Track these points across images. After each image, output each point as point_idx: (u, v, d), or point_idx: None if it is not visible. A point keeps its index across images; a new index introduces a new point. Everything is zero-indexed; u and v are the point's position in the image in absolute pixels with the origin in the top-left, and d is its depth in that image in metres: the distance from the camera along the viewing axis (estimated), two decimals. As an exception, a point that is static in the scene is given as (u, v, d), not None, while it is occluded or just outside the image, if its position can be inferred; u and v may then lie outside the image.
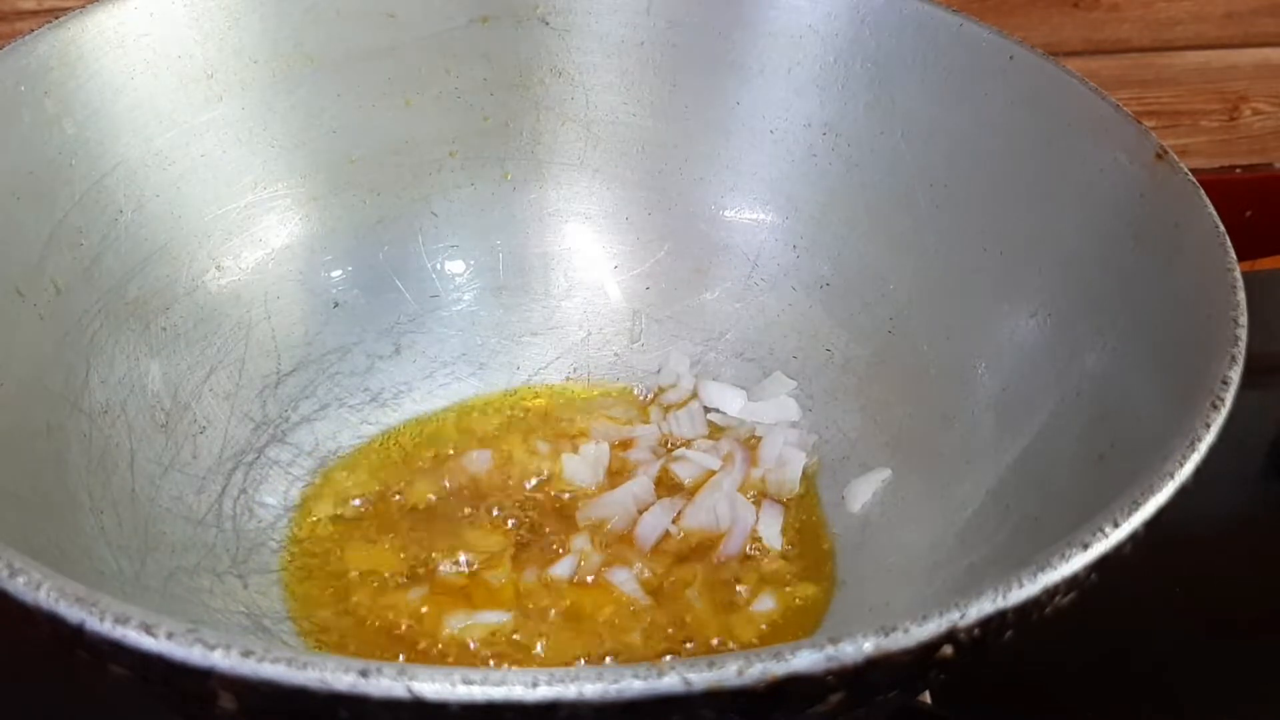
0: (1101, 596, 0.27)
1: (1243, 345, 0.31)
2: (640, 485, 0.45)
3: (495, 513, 0.44)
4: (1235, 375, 0.30)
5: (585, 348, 0.51)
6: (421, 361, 0.49)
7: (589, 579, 0.42)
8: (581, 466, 0.46)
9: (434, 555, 0.42)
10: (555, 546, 0.43)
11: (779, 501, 0.45)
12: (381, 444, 0.47)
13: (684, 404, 0.49)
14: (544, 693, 0.21)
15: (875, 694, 0.25)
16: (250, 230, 0.46)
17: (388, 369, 0.49)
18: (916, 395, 0.45)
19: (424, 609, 0.41)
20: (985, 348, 0.42)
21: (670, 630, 0.41)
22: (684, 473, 0.46)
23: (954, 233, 0.44)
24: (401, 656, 0.39)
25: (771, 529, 0.44)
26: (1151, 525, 0.26)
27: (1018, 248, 0.42)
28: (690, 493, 0.45)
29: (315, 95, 0.47)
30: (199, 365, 0.44)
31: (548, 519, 0.44)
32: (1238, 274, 0.33)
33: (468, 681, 0.21)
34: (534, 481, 0.46)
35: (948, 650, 0.23)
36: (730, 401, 0.48)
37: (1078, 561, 0.25)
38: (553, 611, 0.41)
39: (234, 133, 0.45)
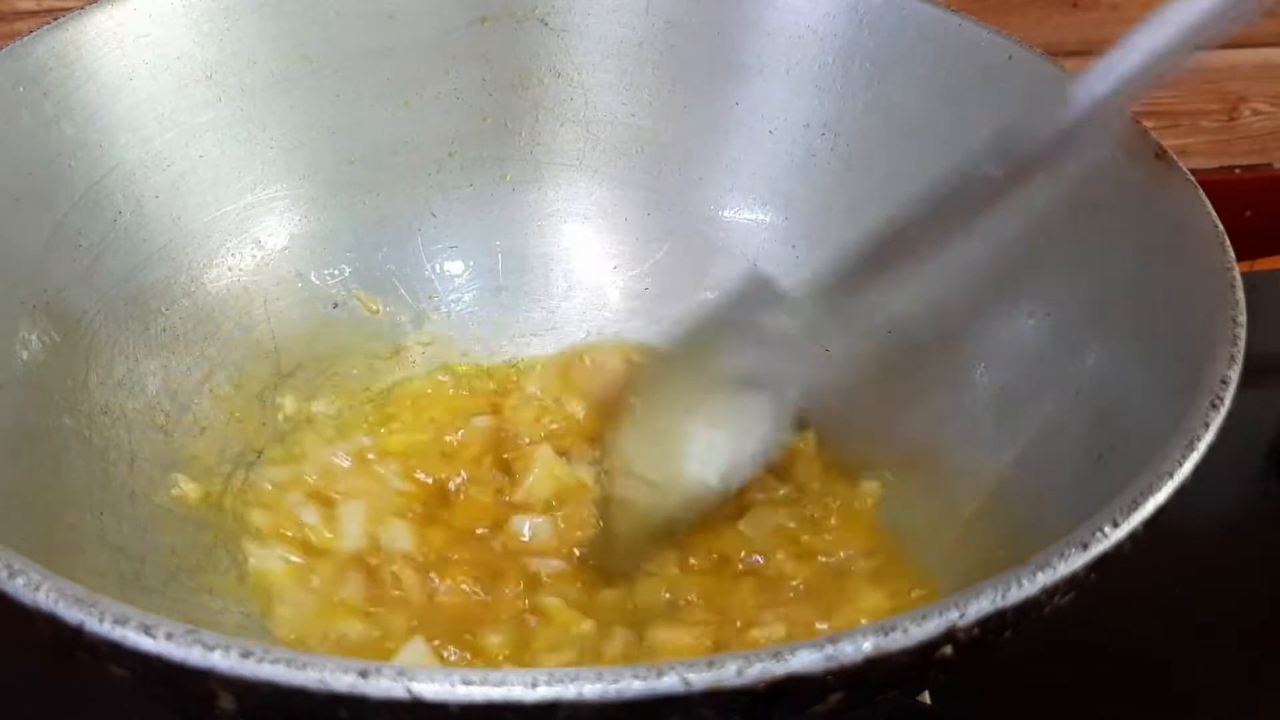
0: (1101, 596, 0.27)
1: (1242, 345, 0.31)
2: None
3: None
4: (1235, 375, 0.30)
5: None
6: (421, 362, 0.49)
7: None
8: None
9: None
10: None
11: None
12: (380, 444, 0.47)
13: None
14: (543, 693, 0.21)
15: (875, 694, 0.25)
16: (249, 231, 0.46)
17: (387, 369, 0.49)
18: (916, 395, 0.45)
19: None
20: (985, 348, 0.42)
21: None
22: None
23: (953, 233, 0.44)
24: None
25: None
26: (1151, 525, 0.26)
27: (1017, 248, 0.42)
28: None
29: (314, 96, 0.47)
30: (199, 365, 0.44)
31: None
32: (1237, 274, 0.33)
33: (467, 682, 0.21)
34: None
35: (947, 650, 0.23)
36: None
37: (1077, 561, 0.25)
38: None
39: (233, 133, 0.45)
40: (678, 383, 0.40)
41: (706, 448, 0.37)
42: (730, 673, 0.21)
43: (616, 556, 0.40)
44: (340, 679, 0.21)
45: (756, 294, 0.39)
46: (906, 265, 0.35)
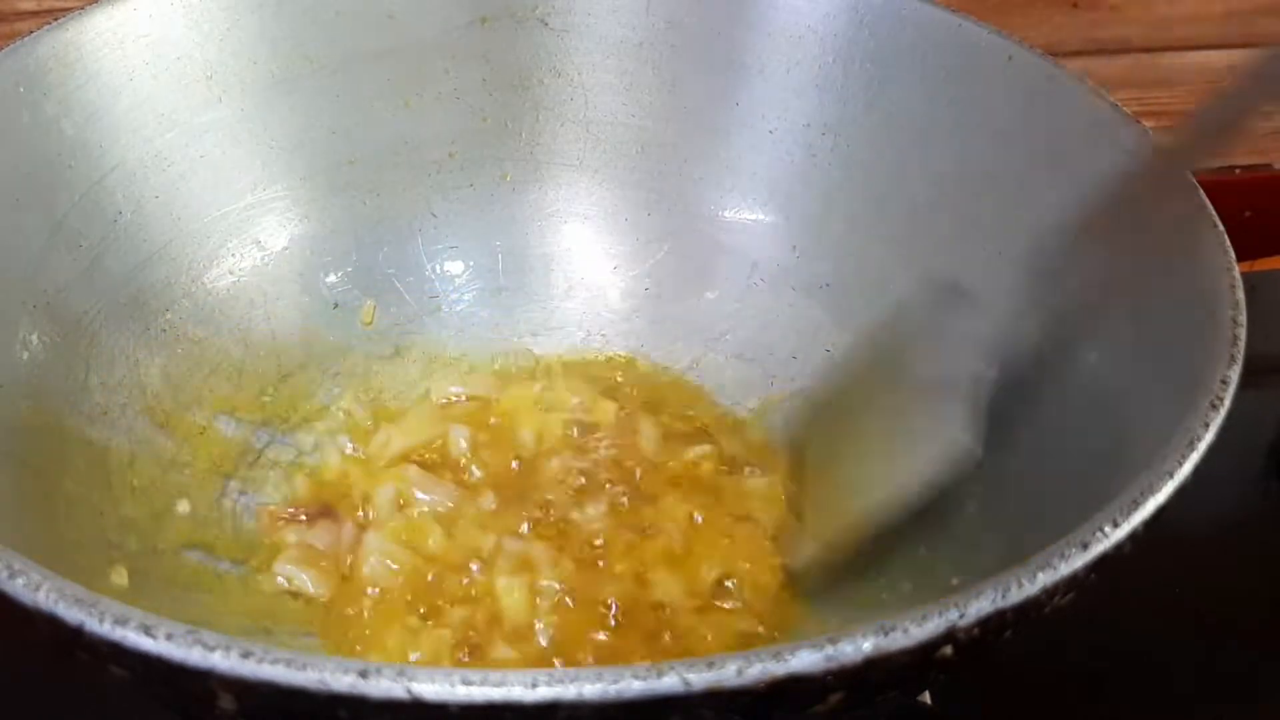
0: (1101, 596, 0.27)
1: (1242, 345, 0.31)
2: None
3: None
4: (1235, 375, 0.30)
5: (585, 348, 0.50)
6: (421, 362, 0.49)
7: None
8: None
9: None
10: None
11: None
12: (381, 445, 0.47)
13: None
14: (543, 693, 0.21)
15: (875, 694, 0.25)
16: (249, 231, 0.46)
17: (387, 370, 0.49)
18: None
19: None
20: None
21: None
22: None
23: (953, 232, 0.44)
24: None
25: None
26: (1151, 525, 0.26)
27: (1017, 248, 0.42)
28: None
29: (315, 96, 0.47)
30: (199, 366, 0.44)
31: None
32: (1237, 274, 0.33)
33: (467, 682, 0.21)
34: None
35: (947, 650, 0.23)
36: None
37: (1077, 561, 0.25)
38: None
39: (233, 134, 0.45)
40: (866, 399, 0.39)
41: (902, 460, 0.36)
42: (730, 673, 0.21)
43: (820, 579, 0.40)
44: (340, 679, 0.21)
45: (939, 299, 0.37)
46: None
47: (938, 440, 0.34)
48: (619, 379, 0.49)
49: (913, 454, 0.35)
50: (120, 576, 0.36)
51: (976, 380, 0.35)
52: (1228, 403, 0.29)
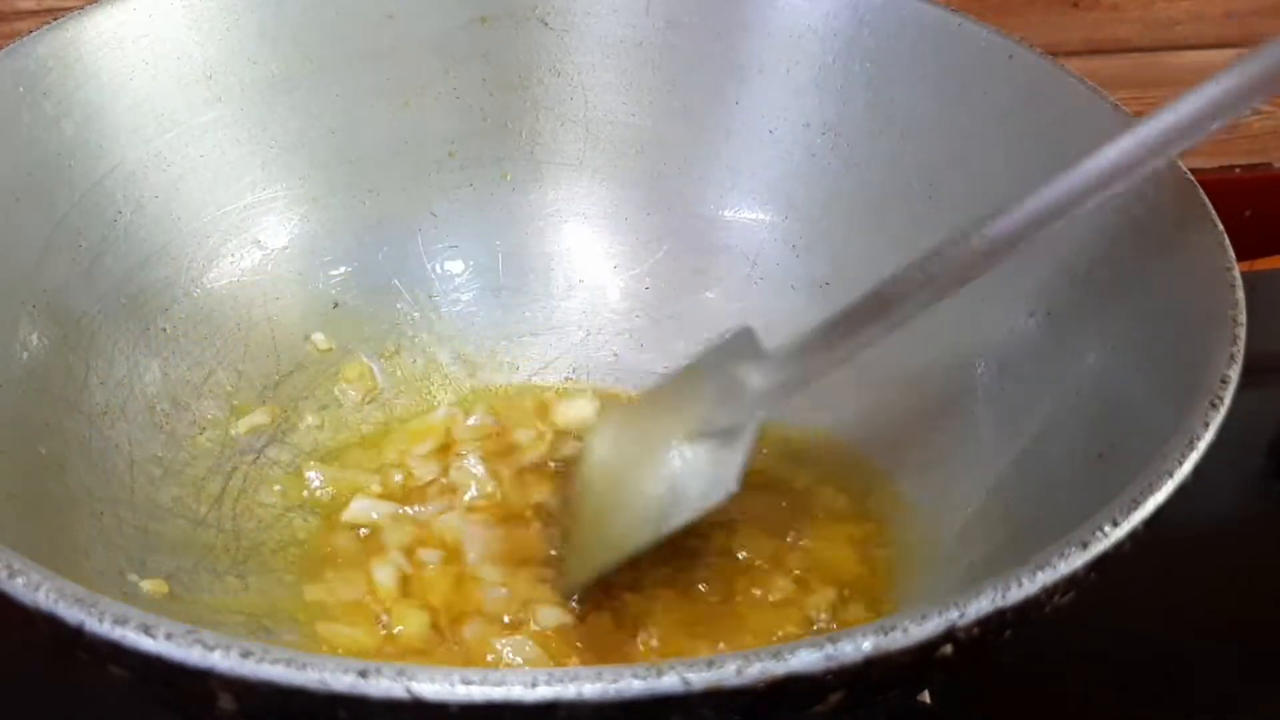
0: (1101, 596, 0.27)
1: (1242, 345, 0.31)
2: None
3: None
4: (1234, 374, 0.30)
5: (584, 348, 0.51)
6: (421, 361, 0.49)
7: None
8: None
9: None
10: None
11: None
12: (380, 445, 0.47)
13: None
14: (543, 693, 0.21)
15: (875, 693, 0.25)
16: (249, 231, 0.46)
17: (387, 369, 0.49)
18: (916, 395, 0.45)
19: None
20: (985, 347, 0.42)
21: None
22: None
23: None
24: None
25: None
26: (1151, 524, 0.26)
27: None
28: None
29: (314, 96, 0.47)
30: (198, 366, 0.44)
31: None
32: (1237, 274, 0.33)
33: (466, 682, 0.21)
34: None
35: (947, 650, 0.23)
36: None
37: (1077, 561, 0.25)
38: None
39: (233, 134, 0.45)
40: (647, 426, 0.41)
41: (665, 493, 0.38)
42: (730, 672, 0.21)
43: (573, 578, 0.41)
44: (340, 679, 0.21)
45: (739, 347, 0.40)
46: (886, 330, 0.36)
47: (718, 486, 0.36)
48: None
49: (691, 494, 0.37)
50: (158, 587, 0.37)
51: (752, 428, 0.37)
52: (1228, 402, 0.29)
